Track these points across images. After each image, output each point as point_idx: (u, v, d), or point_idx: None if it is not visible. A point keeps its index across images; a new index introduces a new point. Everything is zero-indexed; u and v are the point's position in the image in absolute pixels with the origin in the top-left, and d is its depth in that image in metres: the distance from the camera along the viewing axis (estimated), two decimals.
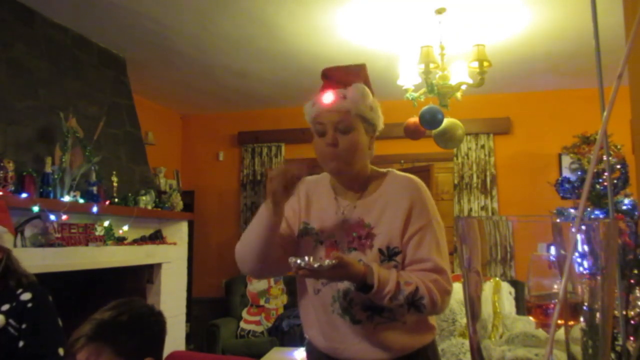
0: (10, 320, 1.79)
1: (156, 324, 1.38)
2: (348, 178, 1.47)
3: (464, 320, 3.72)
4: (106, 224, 3.60)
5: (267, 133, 5.87)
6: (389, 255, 1.38)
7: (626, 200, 3.06)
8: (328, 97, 1.40)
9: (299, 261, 1.23)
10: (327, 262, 1.22)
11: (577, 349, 0.50)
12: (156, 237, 4.20)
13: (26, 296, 1.84)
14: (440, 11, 3.41)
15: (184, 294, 4.54)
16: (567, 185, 3.40)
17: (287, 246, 1.47)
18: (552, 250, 0.49)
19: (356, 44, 4.02)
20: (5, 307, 1.80)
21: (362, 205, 1.45)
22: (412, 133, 3.92)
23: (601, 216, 3.00)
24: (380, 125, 1.47)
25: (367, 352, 1.40)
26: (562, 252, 0.48)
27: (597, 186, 3.21)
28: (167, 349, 1.43)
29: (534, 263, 0.51)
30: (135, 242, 3.93)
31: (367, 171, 1.49)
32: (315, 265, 1.22)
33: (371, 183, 1.48)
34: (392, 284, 1.28)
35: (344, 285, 1.37)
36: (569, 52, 4.19)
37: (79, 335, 1.26)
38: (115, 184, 3.84)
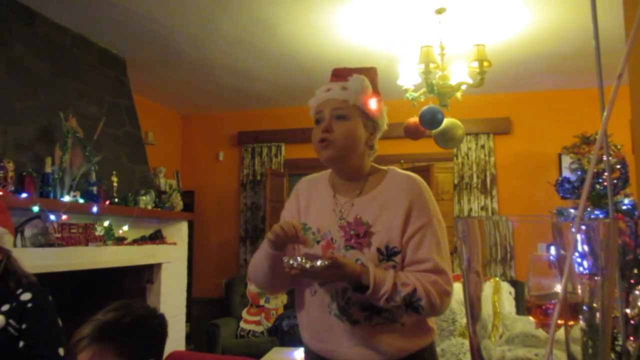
0: (11, 321, 1.78)
1: (158, 326, 1.38)
2: (343, 170, 1.47)
3: (464, 320, 3.71)
4: (106, 224, 3.60)
5: (267, 133, 5.87)
6: (387, 255, 1.36)
7: (626, 200, 3.06)
8: (328, 87, 1.46)
9: (291, 261, 1.22)
10: (319, 262, 1.21)
11: (577, 349, 0.50)
12: (156, 237, 4.20)
13: (26, 296, 1.83)
14: (440, 11, 3.41)
15: (184, 294, 4.54)
16: (567, 185, 3.40)
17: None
18: (552, 250, 0.49)
19: (356, 44, 4.02)
20: (5, 307, 1.80)
21: (361, 202, 1.43)
22: (412, 133, 3.92)
23: (601, 216, 3.00)
24: (384, 126, 1.49)
25: (362, 354, 1.37)
26: (562, 252, 0.48)
27: (597, 186, 3.21)
28: (167, 349, 1.43)
29: (534, 263, 0.51)
30: (135, 242, 3.93)
31: (366, 167, 1.48)
32: (307, 266, 1.21)
33: (370, 180, 1.47)
34: (389, 285, 1.26)
35: (343, 284, 1.36)
36: (569, 52, 4.19)
37: (81, 335, 1.25)
38: (115, 184, 3.84)
